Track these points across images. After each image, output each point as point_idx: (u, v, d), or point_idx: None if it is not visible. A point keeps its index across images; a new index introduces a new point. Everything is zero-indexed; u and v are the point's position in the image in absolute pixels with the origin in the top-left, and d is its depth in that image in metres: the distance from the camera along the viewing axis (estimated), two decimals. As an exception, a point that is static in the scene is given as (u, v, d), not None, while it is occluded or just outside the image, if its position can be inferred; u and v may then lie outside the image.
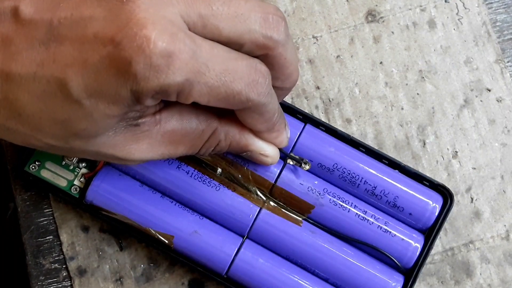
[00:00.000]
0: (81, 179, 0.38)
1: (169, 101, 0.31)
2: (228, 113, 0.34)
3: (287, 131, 0.36)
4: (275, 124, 0.34)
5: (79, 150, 0.31)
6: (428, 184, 0.38)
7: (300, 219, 0.37)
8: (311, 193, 0.37)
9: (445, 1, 0.40)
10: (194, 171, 0.37)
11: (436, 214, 0.37)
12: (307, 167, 0.37)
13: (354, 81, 0.40)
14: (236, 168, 0.37)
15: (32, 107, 0.29)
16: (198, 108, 0.33)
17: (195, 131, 0.33)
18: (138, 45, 0.27)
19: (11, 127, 0.30)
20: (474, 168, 0.39)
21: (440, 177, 0.39)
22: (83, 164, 0.38)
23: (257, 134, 0.35)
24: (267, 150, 0.36)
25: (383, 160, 0.38)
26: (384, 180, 0.37)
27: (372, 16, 0.40)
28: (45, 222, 0.39)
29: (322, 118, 0.40)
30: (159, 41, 0.27)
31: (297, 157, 0.37)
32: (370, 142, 0.39)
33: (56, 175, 0.38)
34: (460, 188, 0.39)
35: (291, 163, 0.37)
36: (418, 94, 0.40)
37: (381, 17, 0.40)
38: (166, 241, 0.36)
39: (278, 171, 0.37)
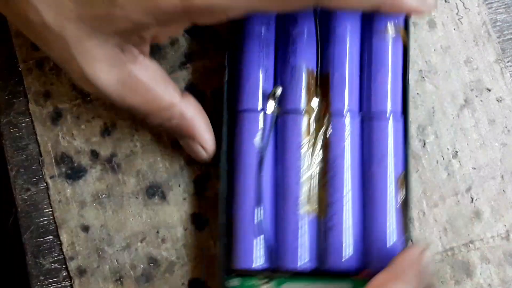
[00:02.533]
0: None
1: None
2: (190, 98, 0.36)
3: None
4: None
5: (60, 33, 0.32)
6: None
7: None
8: None
9: (445, 1, 0.40)
10: None
11: None
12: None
13: (354, 81, 0.40)
14: None
15: None
16: (168, 81, 0.35)
17: (156, 94, 0.34)
18: None
19: None
20: (474, 168, 0.39)
21: (440, 177, 0.39)
22: None
23: None
24: (208, 144, 0.37)
25: None
26: None
27: (372, 16, 0.40)
28: (45, 222, 0.39)
29: (322, 118, 0.40)
30: None
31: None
32: (370, 142, 0.39)
33: None
34: (460, 188, 0.39)
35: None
36: (418, 94, 0.40)
37: (381, 17, 0.40)
38: None
39: None
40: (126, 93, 0.34)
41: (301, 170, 0.36)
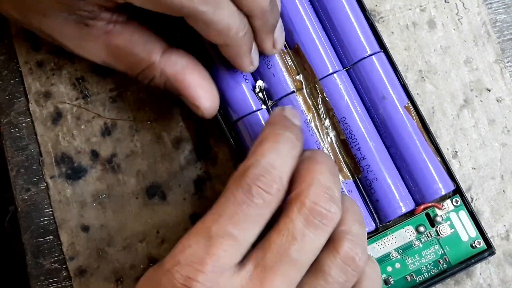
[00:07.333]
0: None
1: (127, 19, 0.35)
2: (175, 53, 0.35)
3: (253, 58, 0.36)
4: (237, 41, 0.34)
5: (37, 27, 0.36)
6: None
7: None
8: None
9: (445, 1, 0.40)
10: None
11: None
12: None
13: (354, 81, 0.40)
14: None
15: None
16: (149, 39, 0.35)
17: (135, 57, 0.35)
18: None
19: None
20: (474, 168, 0.39)
21: (440, 177, 0.39)
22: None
23: (224, 48, 0.34)
24: (201, 102, 0.35)
25: None
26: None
27: (372, 16, 0.40)
28: (45, 222, 0.39)
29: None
30: None
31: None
32: (370, 142, 0.39)
33: None
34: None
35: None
36: (418, 94, 0.40)
37: (381, 17, 0.40)
38: None
39: None
40: (111, 61, 0.36)
41: (319, 143, 0.37)
